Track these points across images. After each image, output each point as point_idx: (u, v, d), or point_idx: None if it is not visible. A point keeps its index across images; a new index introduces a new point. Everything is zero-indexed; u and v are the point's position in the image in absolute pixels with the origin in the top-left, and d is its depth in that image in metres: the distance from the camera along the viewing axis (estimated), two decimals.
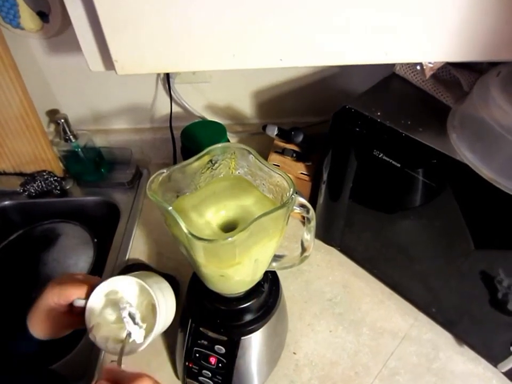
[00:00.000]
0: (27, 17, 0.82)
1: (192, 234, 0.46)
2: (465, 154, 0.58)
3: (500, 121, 0.54)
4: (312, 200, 0.92)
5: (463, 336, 0.77)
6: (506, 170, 0.54)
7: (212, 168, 0.60)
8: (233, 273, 0.55)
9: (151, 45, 0.51)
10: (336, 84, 0.99)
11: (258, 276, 0.63)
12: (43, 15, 0.83)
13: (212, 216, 0.56)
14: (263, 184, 0.59)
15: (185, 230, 0.47)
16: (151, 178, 0.52)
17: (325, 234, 0.92)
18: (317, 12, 0.48)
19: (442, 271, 0.72)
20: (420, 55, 0.54)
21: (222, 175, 0.62)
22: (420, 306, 0.82)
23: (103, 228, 1.06)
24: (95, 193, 1.08)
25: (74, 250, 1.01)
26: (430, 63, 0.65)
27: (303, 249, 0.64)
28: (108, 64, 0.54)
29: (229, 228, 0.56)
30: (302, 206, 0.56)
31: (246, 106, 1.07)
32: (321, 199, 0.87)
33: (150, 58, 0.53)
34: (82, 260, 0.99)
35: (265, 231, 0.52)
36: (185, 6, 0.47)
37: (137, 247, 0.96)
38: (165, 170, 0.54)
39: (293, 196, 0.51)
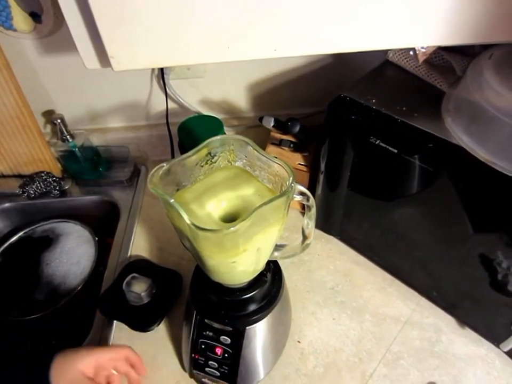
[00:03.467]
0: (20, 18, 0.82)
1: (195, 225, 0.47)
2: (461, 137, 0.59)
3: (494, 103, 0.55)
4: (311, 190, 0.91)
5: (464, 318, 0.78)
6: (502, 151, 0.55)
7: (211, 161, 0.60)
8: (236, 264, 0.56)
9: (147, 40, 0.52)
10: (330, 74, 0.99)
11: (261, 265, 0.63)
12: (35, 16, 0.83)
13: (213, 207, 0.57)
14: (262, 174, 0.59)
15: (188, 222, 0.47)
16: (152, 172, 0.52)
17: (325, 223, 0.92)
18: (309, 2, 0.48)
19: (442, 256, 0.73)
20: (412, 40, 0.54)
21: (221, 167, 0.62)
22: (421, 291, 0.83)
23: (104, 226, 1.06)
24: (94, 192, 1.09)
25: (76, 250, 1.02)
26: (422, 48, 0.65)
27: (304, 237, 0.64)
28: (104, 61, 0.54)
29: (230, 218, 0.57)
30: (302, 194, 0.56)
31: (241, 100, 1.07)
32: (319, 189, 0.88)
33: (147, 53, 0.53)
34: (84, 259, 0.99)
35: (266, 220, 0.53)
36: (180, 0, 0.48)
37: (139, 244, 0.97)
38: (164, 164, 0.54)
39: (292, 185, 0.52)
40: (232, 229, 0.47)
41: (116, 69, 0.54)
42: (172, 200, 0.49)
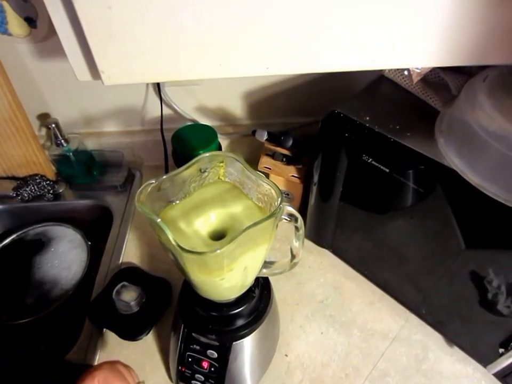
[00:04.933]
0: (14, 23, 0.82)
1: (180, 247, 0.47)
2: (452, 159, 0.59)
3: (486, 127, 0.54)
4: (304, 201, 0.92)
5: (452, 337, 0.78)
6: (492, 176, 0.54)
7: (201, 177, 0.60)
8: (223, 281, 0.56)
9: (137, 56, 0.51)
10: (325, 84, 0.99)
11: (249, 282, 0.63)
12: (30, 21, 0.82)
13: (201, 224, 0.57)
14: (252, 192, 0.59)
15: (173, 242, 0.47)
16: (140, 189, 0.52)
17: (317, 235, 0.92)
18: (302, 20, 0.48)
19: (433, 272, 0.73)
20: (406, 61, 0.54)
21: (211, 182, 0.62)
22: (411, 307, 0.83)
23: (96, 231, 1.06)
24: (87, 197, 1.08)
25: (68, 254, 1.01)
26: (417, 68, 0.65)
27: (293, 256, 0.64)
28: (95, 74, 0.54)
29: (218, 236, 0.56)
30: (291, 215, 0.56)
31: (237, 108, 1.07)
32: (312, 200, 0.88)
33: (137, 69, 0.53)
34: (76, 263, 0.99)
35: (253, 240, 0.53)
36: (170, 17, 0.47)
37: (131, 250, 0.97)
38: (153, 181, 0.54)
39: (280, 206, 0.51)
40: (218, 251, 0.47)
41: (106, 83, 0.54)
42: (159, 220, 0.48)
